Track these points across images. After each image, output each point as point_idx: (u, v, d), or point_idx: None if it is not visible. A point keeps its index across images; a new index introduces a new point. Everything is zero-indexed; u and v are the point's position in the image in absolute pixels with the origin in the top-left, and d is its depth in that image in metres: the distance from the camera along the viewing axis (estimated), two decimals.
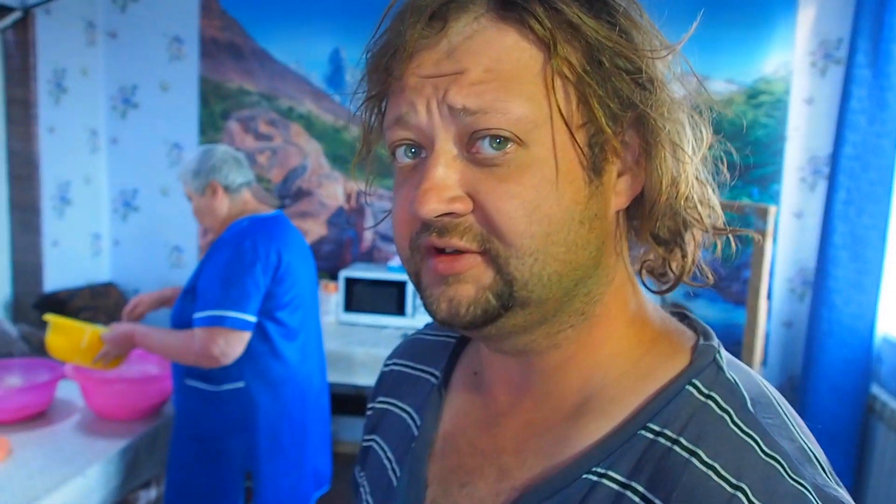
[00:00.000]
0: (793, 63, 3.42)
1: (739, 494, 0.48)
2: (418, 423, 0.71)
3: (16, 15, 3.44)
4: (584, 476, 0.55)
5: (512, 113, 0.52)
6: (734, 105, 3.45)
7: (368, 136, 0.63)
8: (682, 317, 0.65)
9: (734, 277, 3.53)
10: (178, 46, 3.97)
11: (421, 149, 0.56)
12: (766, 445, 0.51)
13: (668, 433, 0.53)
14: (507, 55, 0.53)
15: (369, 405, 0.82)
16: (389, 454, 0.73)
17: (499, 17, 0.53)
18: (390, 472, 0.71)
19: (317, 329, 2.42)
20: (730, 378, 0.56)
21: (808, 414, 3.17)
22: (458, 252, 0.54)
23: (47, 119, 3.67)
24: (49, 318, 2.12)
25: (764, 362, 3.40)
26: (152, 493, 2.91)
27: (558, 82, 0.53)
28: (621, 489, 0.53)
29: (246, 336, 2.06)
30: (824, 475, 0.51)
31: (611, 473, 0.54)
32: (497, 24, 0.53)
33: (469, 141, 0.53)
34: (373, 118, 0.62)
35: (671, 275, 0.62)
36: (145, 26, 3.99)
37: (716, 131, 0.59)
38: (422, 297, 0.58)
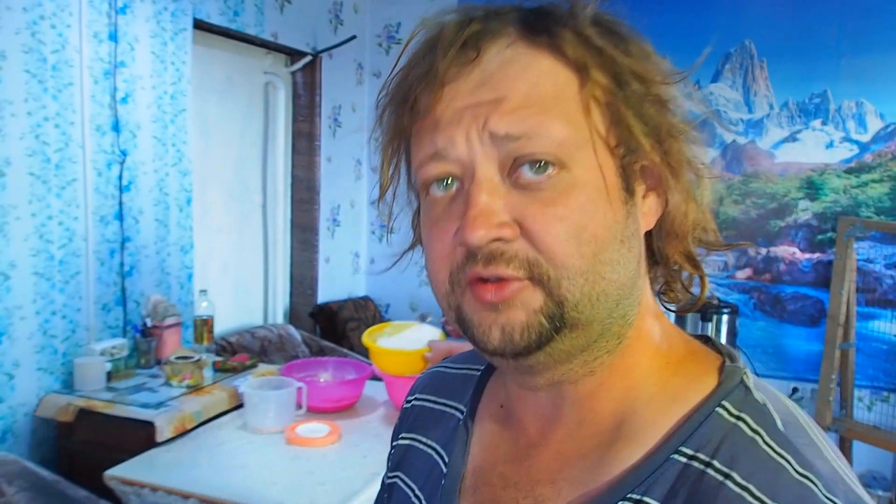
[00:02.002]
0: None
1: None
2: (446, 458, 0.69)
3: (307, 59, 3.95)
4: (620, 503, 0.54)
5: (554, 136, 0.52)
6: None
7: (389, 177, 0.64)
8: (706, 339, 0.63)
9: None
10: None
11: (456, 180, 0.55)
12: (798, 465, 0.50)
13: (702, 456, 0.52)
14: (544, 79, 0.53)
15: (393, 442, 0.80)
16: (417, 492, 0.71)
17: (530, 42, 0.54)
18: None
19: None
20: (758, 399, 0.55)
21: None
22: (503, 280, 0.53)
23: (326, 150, 4.16)
24: (369, 345, 2.18)
25: None
26: None
27: (593, 104, 0.53)
28: None
29: None
30: (856, 494, 0.50)
31: (646, 499, 0.53)
32: (529, 50, 0.54)
33: (511, 167, 0.53)
34: (395, 159, 0.62)
35: (684, 294, 0.63)
36: None
37: None
38: (466, 330, 0.56)
